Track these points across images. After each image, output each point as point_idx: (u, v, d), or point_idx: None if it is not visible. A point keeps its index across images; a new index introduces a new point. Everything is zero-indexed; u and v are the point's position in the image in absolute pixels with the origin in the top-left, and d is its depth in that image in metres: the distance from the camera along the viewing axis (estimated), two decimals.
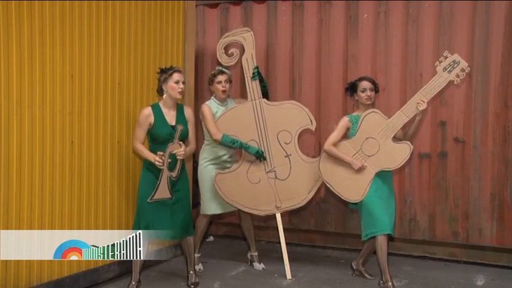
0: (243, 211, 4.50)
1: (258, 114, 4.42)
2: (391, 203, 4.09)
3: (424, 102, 3.96)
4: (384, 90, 5.01)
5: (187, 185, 4.10)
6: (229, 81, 4.44)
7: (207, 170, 4.43)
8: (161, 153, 3.80)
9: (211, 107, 4.40)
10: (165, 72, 3.93)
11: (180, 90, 3.92)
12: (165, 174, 3.84)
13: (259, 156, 4.35)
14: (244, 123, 4.39)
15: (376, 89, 4.14)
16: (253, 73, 4.41)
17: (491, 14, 4.69)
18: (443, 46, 4.72)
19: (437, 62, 4.03)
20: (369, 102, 4.09)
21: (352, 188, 4.08)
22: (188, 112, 4.08)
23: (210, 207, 4.47)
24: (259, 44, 5.46)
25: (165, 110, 3.95)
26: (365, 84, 4.09)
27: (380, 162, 4.02)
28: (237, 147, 4.34)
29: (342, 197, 4.16)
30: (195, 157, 5.31)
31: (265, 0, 5.54)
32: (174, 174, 3.88)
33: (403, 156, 4.00)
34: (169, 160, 3.83)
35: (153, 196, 3.83)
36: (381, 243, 3.96)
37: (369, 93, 4.07)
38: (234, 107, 4.45)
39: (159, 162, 3.78)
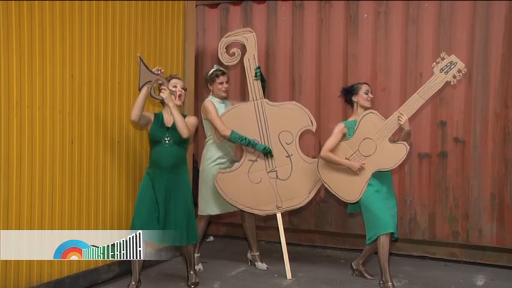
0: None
1: (259, 114, 4.42)
2: (392, 203, 4.10)
3: (403, 115, 3.98)
4: (384, 90, 5.01)
5: (187, 188, 4.02)
6: (228, 81, 4.45)
7: (212, 171, 4.39)
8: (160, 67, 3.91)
9: (214, 103, 4.40)
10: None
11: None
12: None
13: (267, 153, 4.35)
14: (246, 123, 4.38)
15: None
16: (256, 73, 4.41)
17: (491, 14, 4.69)
18: (443, 46, 4.73)
19: (434, 63, 4.04)
20: (369, 104, 4.16)
21: (349, 188, 4.09)
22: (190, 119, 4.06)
23: (209, 207, 4.46)
24: (259, 44, 5.41)
25: (165, 115, 3.97)
26: (367, 86, 4.20)
27: (377, 162, 4.03)
28: (245, 144, 4.32)
29: (339, 197, 4.18)
30: (194, 156, 5.31)
31: (265, 0, 5.54)
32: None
33: (400, 156, 4.01)
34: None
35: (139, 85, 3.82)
36: (383, 242, 3.96)
37: (371, 95, 4.17)
38: (236, 106, 4.44)
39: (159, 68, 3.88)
